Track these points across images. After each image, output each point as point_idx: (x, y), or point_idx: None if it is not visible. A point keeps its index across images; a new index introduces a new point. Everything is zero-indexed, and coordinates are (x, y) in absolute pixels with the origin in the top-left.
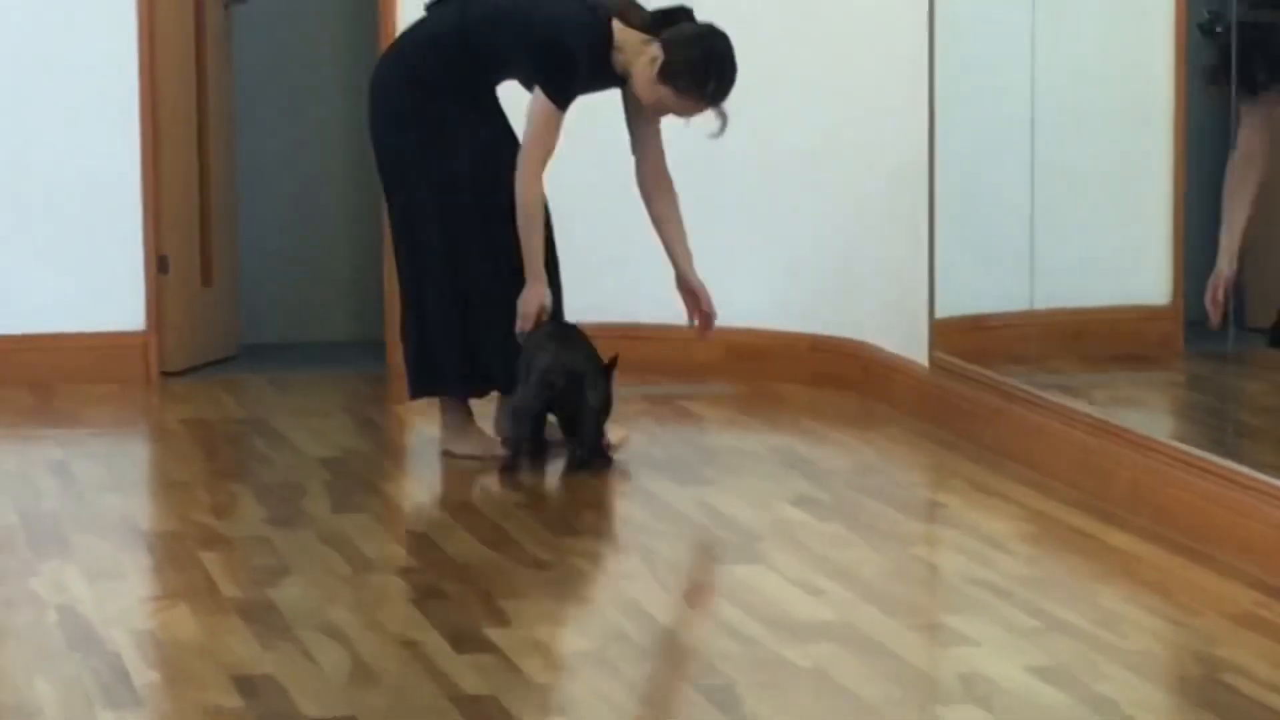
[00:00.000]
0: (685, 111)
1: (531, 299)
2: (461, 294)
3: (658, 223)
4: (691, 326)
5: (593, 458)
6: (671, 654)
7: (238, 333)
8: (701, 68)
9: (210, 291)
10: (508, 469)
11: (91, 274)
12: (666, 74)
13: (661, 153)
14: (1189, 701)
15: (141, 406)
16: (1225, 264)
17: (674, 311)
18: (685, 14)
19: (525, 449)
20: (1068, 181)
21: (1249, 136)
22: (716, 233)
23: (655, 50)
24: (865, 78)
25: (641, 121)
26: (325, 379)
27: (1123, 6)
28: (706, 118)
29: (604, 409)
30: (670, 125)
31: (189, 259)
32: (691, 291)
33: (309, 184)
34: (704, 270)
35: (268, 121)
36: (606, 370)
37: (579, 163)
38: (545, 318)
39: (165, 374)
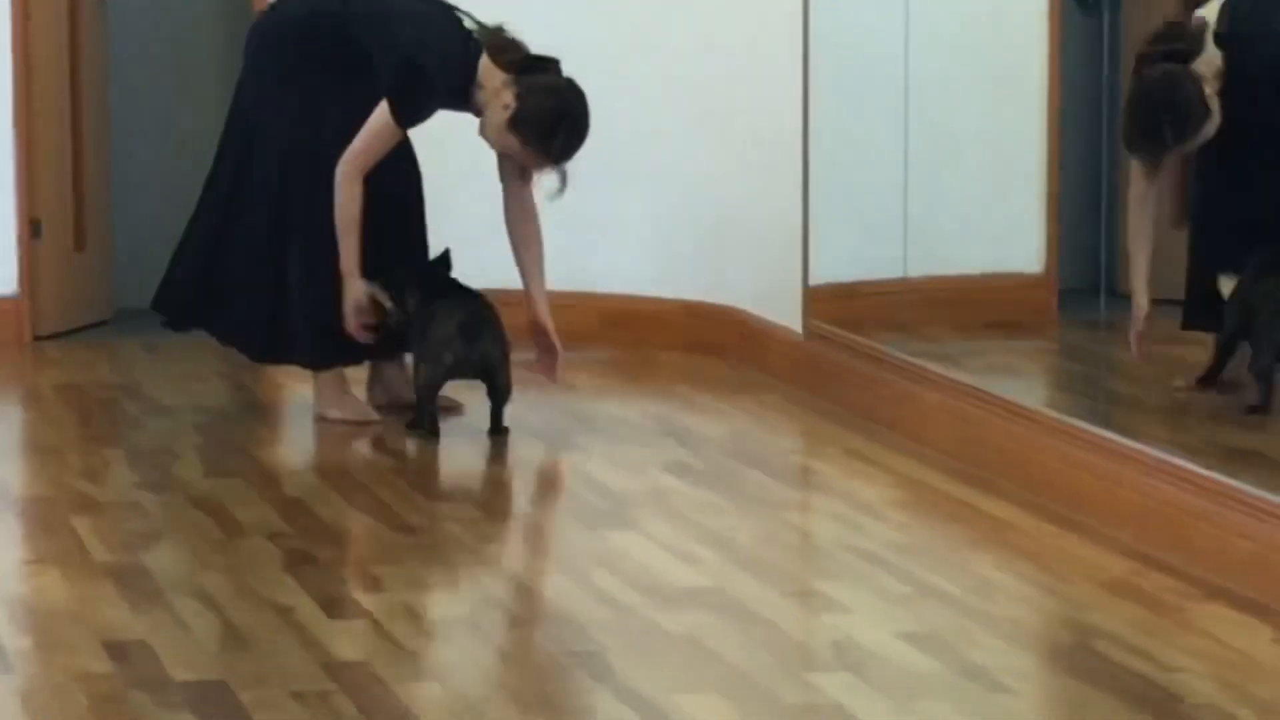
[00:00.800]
0: (529, 163)
1: (348, 298)
2: (279, 263)
3: (521, 265)
4: (532, 365)
5: (498, 434)
6: (544, 620)
7: (111, 297)
8: (551, 124)
9: (83, 255)
10: (430, 435)
11: None
12: (515, 123)
13: (529, 193)
14: (1060, 668)
15: (14, 371)
16: (1141, 300)
17: (548, 279)
18: (552, 65)
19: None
20: (942, 148)
21: (1139, 181)
22: (591, 198)
23: (509, 97)
24: (739, 42)
25: (509, 168)
26: (199, 344)
27: None
28: (548, 174)
29: (508, 393)
30: None
31: (62, 223)
32: (544, 334)
33: (182, 147)
34: (579, 236)
35: (141, 85)
36: (507, 356)
37: (458, 127)
38: (368, 313)
39: (38, 338)
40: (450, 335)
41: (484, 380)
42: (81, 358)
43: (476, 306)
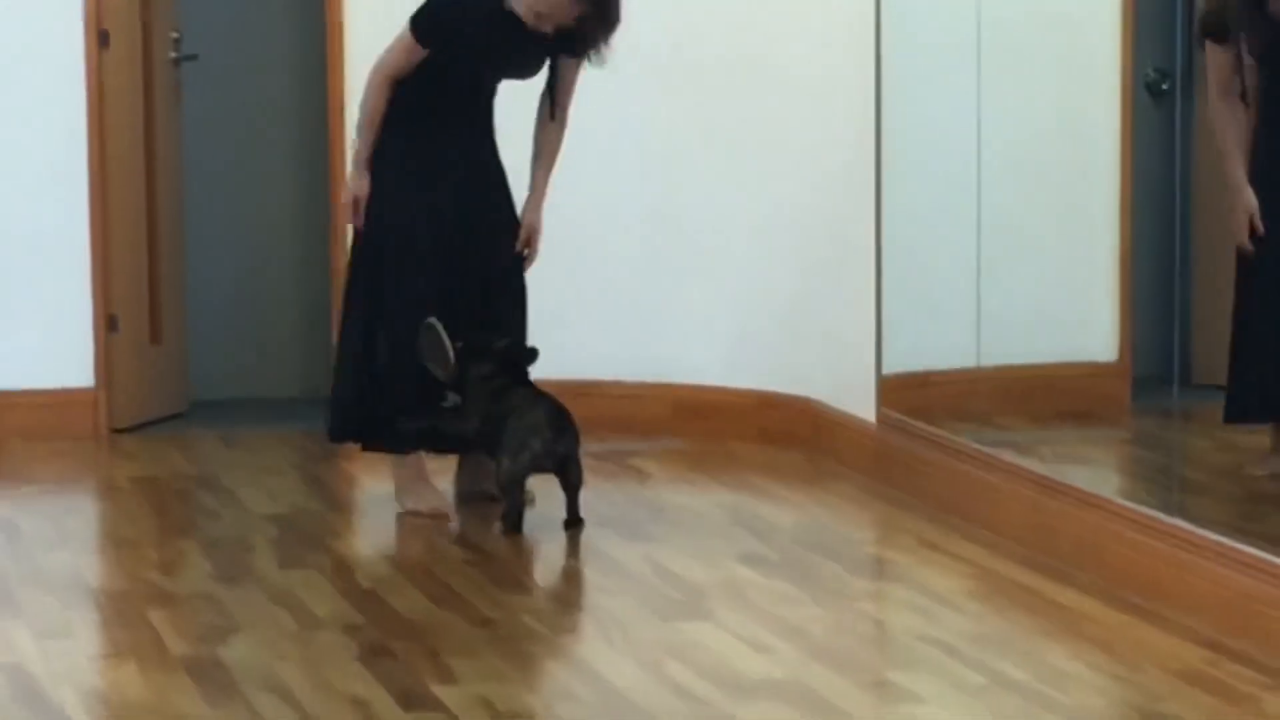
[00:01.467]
0: (560, 14)
1: (349, 185)
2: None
3: (535, 147)
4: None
5: (574, 526)
6: (619, 713)
7: (187, 389)
8: None
9: (159, 348)
10: (512, 531)
11: (41, 332)
12: None
13: (569, 94)
14: None
15: (90, 463)
16: (1247, 196)
17: (623, 368)
18: None
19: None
20: (1014, 238)
21: (1220, 74)
22: (664, 289)
23: None
24: (812, 137)
25: (559, 68)
26: (274, 436)
27: (1069, 64)
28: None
29: (580, 484)
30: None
31: (138, 317)
32: (532, 234)
33: (257, 241)
34: (652, 326)
35: (216, 178)
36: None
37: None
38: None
39: (114, 431)
40: (536, 426)
41: (559, 473)
42: (157, 450)
43: (555, 401)
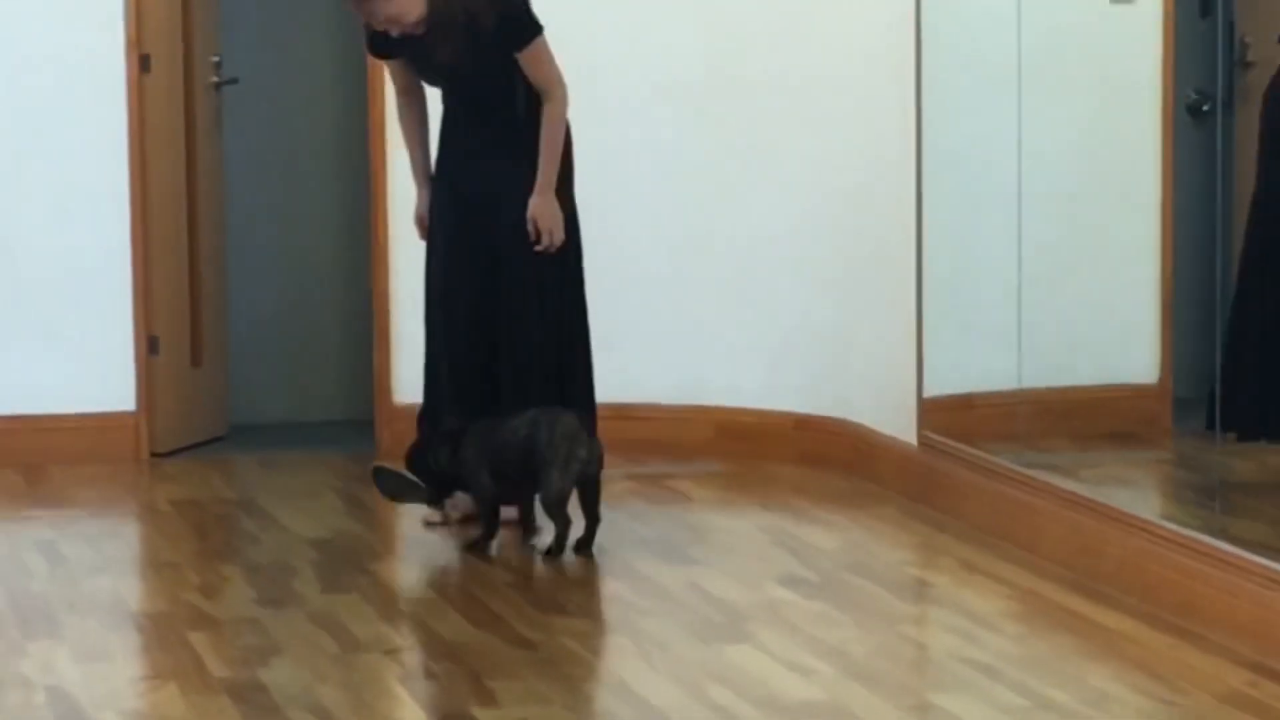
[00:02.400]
0: (405, 17)
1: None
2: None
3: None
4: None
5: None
6: None
7: (227, 413)
8: None
9: (200, 372)
10: (556, 552)
11: (82, 355)
12: None
13: (534, 74)
14: None
15: (131, 487)
16: None
17: (663, 391)
18: None
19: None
20: (1055, 260)
21: None
22: (705, 312)
23: None
24: (852, 158)
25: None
26: (314, 459)
27: (1110, 85)
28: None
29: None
30: (658, 218)
31: (179, 340)
32: (529, 214)
33: (298, 264)
34: (693, 350)
35: (257, 201)
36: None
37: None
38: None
39: (155, 454)
40: (573, 434)
41: (587, 485)
42: (198, 474)
43: (568, 413)
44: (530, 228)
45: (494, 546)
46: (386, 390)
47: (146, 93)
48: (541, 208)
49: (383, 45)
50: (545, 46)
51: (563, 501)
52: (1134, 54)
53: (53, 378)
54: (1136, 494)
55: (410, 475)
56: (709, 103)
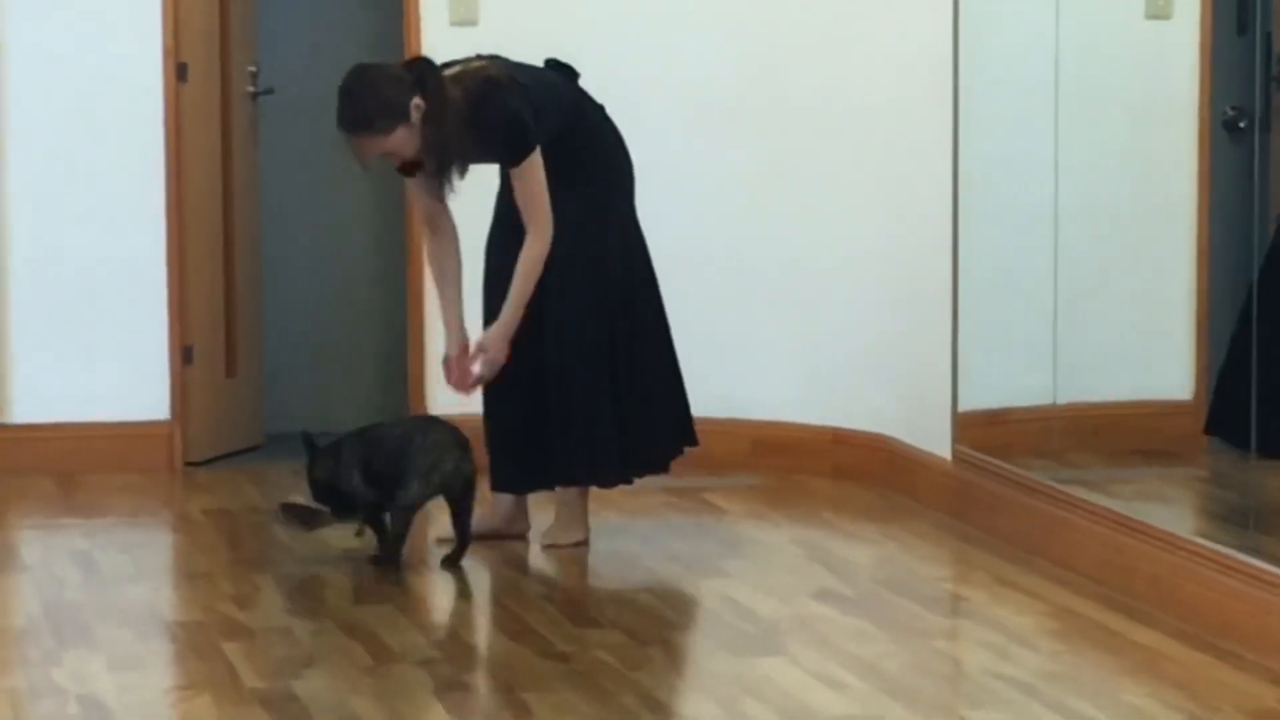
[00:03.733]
0: (404, 151)
1: (503, 353)
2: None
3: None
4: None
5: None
6: None
7: (261, 422)
8: None
9: (234, 381)
10: (390, 565)
11: (116, 364)
12: None
13: (521, 198)
14: None
15: (165, 496)
16: None
17: (698, 405)
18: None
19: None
20: (1091, 276)
21: None
22: (741, 328)
23: None
24: (889, 176)
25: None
26: None
27: (1146, 102)
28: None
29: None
30: (696, 234)
31: (213, 349)
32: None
33: (333, 274)
34: (728, 363)
35: (293, 211)
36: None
37: None
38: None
39: (189, 464)
40: (447, 443)
41: (460, 498)
42: (232, 483)
43: (451, 426)
44: (473, 351)
45: (403, 554)
46: (421, 399)
47: (183, 102)
48: (493, 343)
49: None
50: (533, 169)
51: (411, 508)
52: (1170, 70)
53: (88, 386)
54: (1171, 511)
55: (310, 503)
56: (747, 122)
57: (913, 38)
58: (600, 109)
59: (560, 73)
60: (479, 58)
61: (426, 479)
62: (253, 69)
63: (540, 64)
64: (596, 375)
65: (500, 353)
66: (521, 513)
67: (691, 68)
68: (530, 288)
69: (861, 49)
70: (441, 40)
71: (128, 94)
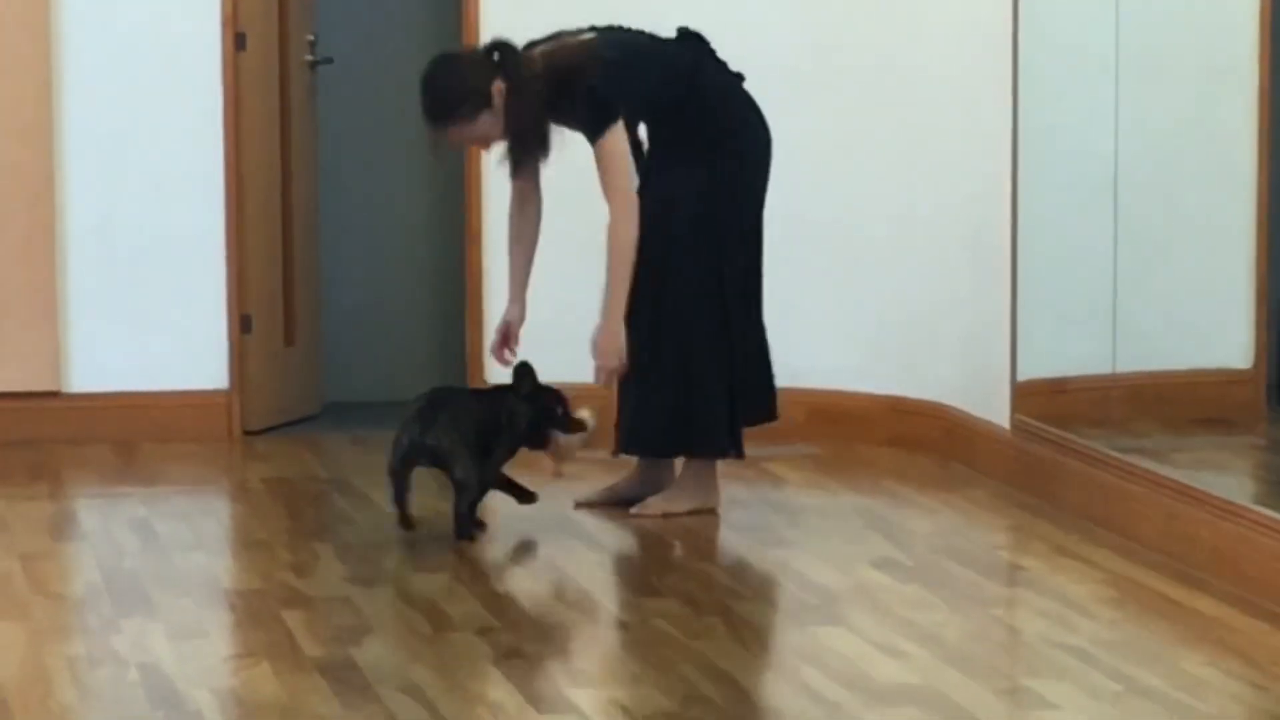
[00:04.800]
0: (490, 137)
1: (618, 345)
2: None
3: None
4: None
5: (458, 533)
6: (753, 716)
7: (320, 391)
8: None
9: (293, 350)
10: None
11: (175, 333)
12: None
13: (602, 171)
14: None
15: (224, 465)
16: None
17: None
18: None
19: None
20: (1150, 245)
21: None
22: (799, 296)
23: None
24: (949, 143)
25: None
26: None
27: (1207, 68)
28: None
29: (469, 488)
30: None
31: (272, 318)
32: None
33: (391, 243)
34: (785, 331)
35: (351, 181)
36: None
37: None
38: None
39: (247, 433)
40: (410, 416)
41: (443, 468)
42: (290, 452)
43: (440, 391)
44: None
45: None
46: (479, 368)
47: (242, 71)
48: (603, 340)
49: None
50: (610, 146)
51: (389, 473)
52: (1232, 36)
53: (146, 356)
54: (1230, 479)
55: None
56: (806, 89)
57: (974, 5)
58: (732, 81)
59: (684, 43)
60: (589, 29)
61: (394, 444)
62: (311, 38)
63: (669, 31)
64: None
65: (611, 358)
66: (658, 474)
67: (749, 36)
68: (626, 273)
69: (921, 15)
70: (499, 8)
71: (187, 63)
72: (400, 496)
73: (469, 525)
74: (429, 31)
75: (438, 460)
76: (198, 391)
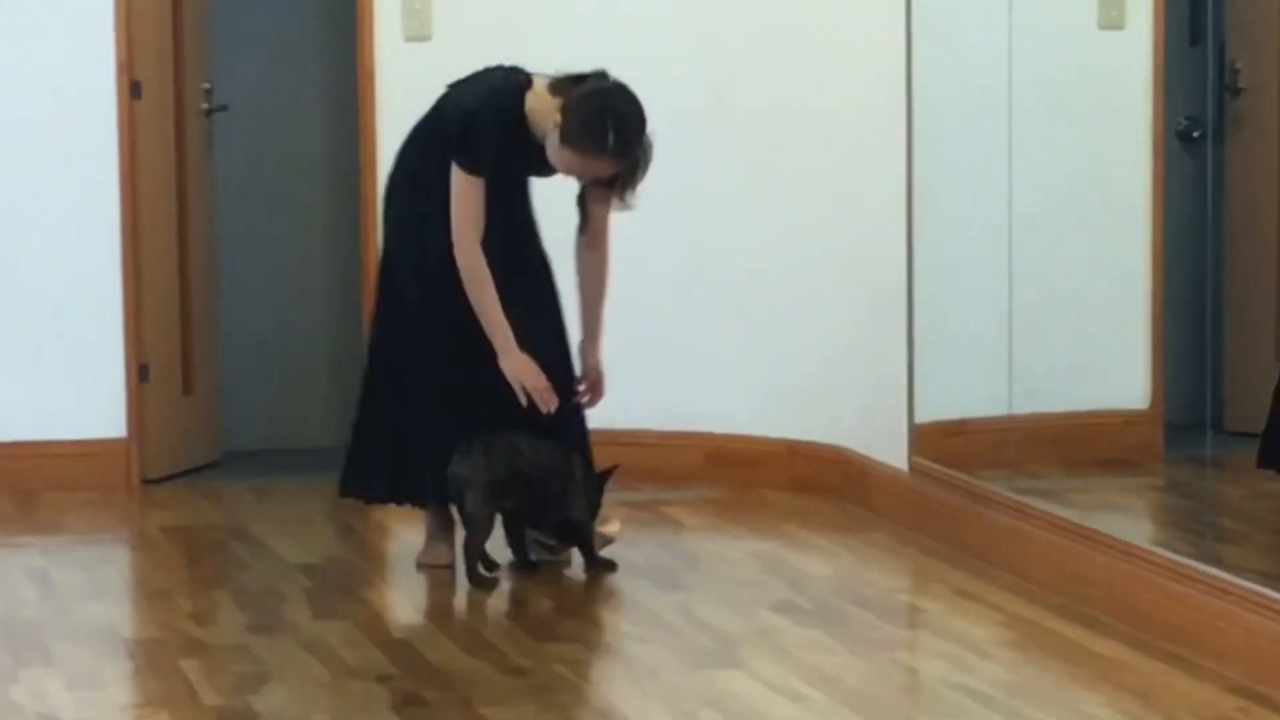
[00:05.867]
0: (595, 170)
1: (512, 376)
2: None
3: (580, 281)
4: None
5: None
6: None
7: (219, 439)
8: (597, 123)
9: (191, 399)
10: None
11: (73, 382)
12: (564, 137)
13: (604, 223)
14: None
15: (123, 514)
16: None
17: (656, 417)
18: (594, 76)
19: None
20: (1047, 286)
21: None
22: (699, 341)
23: (557, 114)
24: (846, 186)
25: (588, 196)
26: (306, 486)
27: (1101, 112)
28: (627, 187)
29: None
30: (652, 245)
31: (170, 366)
32: (593, 367)
33: (289, 291)
34: (686, 376)
35: (248, 228)
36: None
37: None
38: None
39: (146, 481)
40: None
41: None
42: (189, 500)
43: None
44: (591, 382)
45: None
46: None
47: (138, 119)
48: (601, 363)
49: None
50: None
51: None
52: (1124, 80)
53: (44, 404)
54: (1128, 520)
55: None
56: (704, 132)
57: (868, 49)
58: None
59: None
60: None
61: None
62: (206, 86)
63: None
64: None
65: (524, 380)
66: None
67: (646, 80)
68: (477, 301)
69: (816, 60)
70: (395, 56)
71: (82, 111)
72: (516, 541)
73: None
74: (325, 79)
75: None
76: (96, 440)
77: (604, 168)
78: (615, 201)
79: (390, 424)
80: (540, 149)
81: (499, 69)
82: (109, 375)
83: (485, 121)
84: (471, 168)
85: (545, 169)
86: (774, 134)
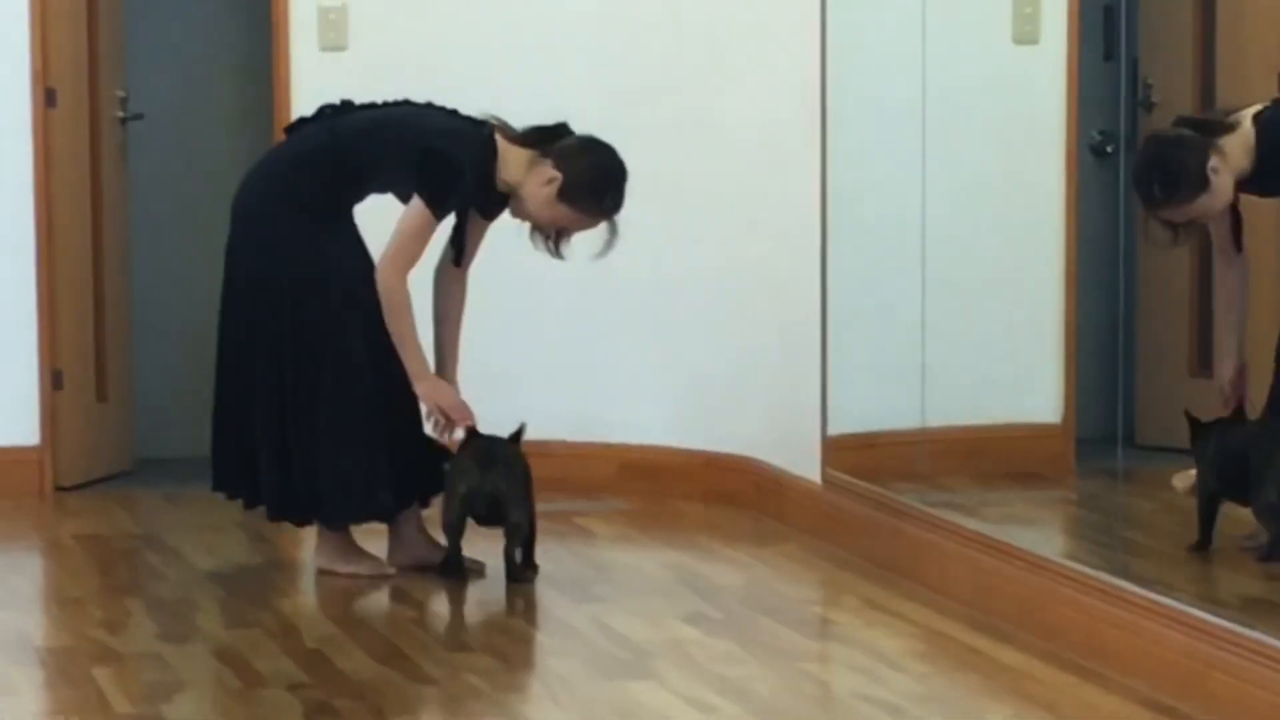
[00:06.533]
0: (582, 226)
1: (427, 398)
2: (361, 412)
3: (440, 320)
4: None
5: (513, 576)
6: None
7: (132, 448)
8: (599, 184)
9: (105, 406)
10: (452, 574)
11: None
12: (565, 193)
13: (478, 247)
14: None
15: (35, 521)
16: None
17: (568, 428)
18: (564, 129)
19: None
20: (958, 299)
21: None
22: (611, 351)
23: (550, 170)
24: (758, 197)
25: (478, 231)
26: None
27: (1014, 126)
28: (595, 232)
29: (521, 530)
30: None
31: (84, 374)
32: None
33: (204, 298)
34: (598, 387)
35: (163, 236)
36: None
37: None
38: (464, 410)
39: (59, 489)
40: (467, 462)
41: (495, 516)
42: (102, 508)
43: (493, 443)
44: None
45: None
46: None
47: (52, 127)
48: (426, 394)
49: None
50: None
51: (449, 526)
52: (1038, 95)
53: None
54: (1039, 533)
55: None
56: (617, 142)
57: (781, 63)
58: None
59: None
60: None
61: (451, 495)
62: (122, 94)
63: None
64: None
65: (435, 401)
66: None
67: (558, 91)
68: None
69: (730, 71)
70: (310, 66)
71: None
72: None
73: (523, 568)
74: (239, 87)
75: (495, 505)
76: (9, 448)
77: (591, 224)
78: (548, 250)
79: (242, 427)
80: (500, 197)
81: (459, 116)
82: (22, 382)
83: (468, 178)
84: (439, 211)
85: (493, 212)
86: (688, 145)
